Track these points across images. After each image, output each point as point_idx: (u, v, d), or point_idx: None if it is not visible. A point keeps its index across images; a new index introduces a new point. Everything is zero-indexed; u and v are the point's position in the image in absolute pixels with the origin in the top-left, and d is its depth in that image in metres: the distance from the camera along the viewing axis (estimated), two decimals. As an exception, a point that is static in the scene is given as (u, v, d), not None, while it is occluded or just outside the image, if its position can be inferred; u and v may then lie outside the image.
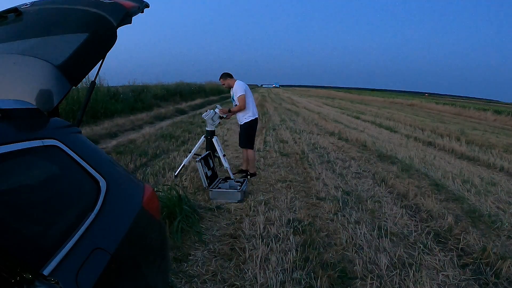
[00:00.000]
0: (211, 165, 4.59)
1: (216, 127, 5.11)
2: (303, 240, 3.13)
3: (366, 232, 3.32)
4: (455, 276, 2.69)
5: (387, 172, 5.68)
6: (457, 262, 2.89)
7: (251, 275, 2.54)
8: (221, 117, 5.03)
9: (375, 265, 2.77)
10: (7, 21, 1.69)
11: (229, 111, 4.95)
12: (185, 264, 2.69)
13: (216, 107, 5.10)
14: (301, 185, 4.81)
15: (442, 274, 2.70)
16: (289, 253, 2.85)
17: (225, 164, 4.84)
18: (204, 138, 5.09)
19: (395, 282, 2.55)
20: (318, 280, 2.48)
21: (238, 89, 4.81)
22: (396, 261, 2.84)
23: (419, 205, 4.18)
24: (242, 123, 4.96)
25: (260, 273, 2.56)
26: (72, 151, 1.28)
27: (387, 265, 2.76)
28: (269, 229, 3.31)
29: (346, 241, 3.14)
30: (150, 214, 1.57)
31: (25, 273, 0.84)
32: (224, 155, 4.94)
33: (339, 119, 14.22)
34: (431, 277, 2.66)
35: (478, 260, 2.92)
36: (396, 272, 2.66)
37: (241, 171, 5.26)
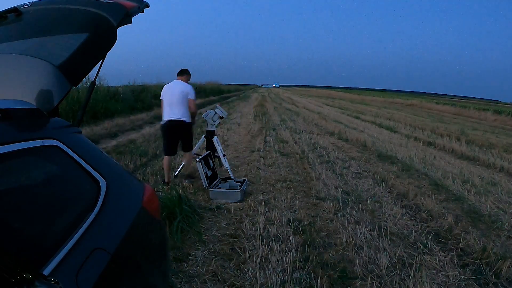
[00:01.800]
0: (211, 165, 4.59)
1: (216, 127, 5.11)
2: (303, 240, 3.13)
3: (366, 232, 3.32)
4: (455, 276, 2.69)
5: (387, 172, 5.68)
6: (457, 262, 2.89)
7: (251, 275, 2.54)
8: (221, 117, 5.03)
9: (375, 265, 2.77)
10: (7, 21, 1.69)
11: None
12: (185, 264, 2.69)
13: (216, 107, 5.10)
14: (301, 185, 4.81)
15: (442, 274, 2.70)
16: (289, 253, 2.85)
17: (225, 164, 4.84)
18: (204, 138, 5.09)
19: (395, 282, 2.55)
20: (318, 280, 2.48)
21: None
22: (396, 261, 2.84)
23: (419, 205, 4.18)
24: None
25: (260, 273, 2.56)
26: (72, 151, 1.28)
27: (387, 265, 2.76)
28: (269, 229, 3.31)
29: (346, 241, 3.14)
30: (150, 214, 1.57)
31: (25, 273, 0.84)
32: (224, 155, 4.94)
33: (339, 119, 14.22)
34: (431, 277, 2.66)
35: (478, 260, 2.92)
36: (396, 272, 2.66)
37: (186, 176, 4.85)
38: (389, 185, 4.93)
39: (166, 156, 4.52)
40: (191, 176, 4.81)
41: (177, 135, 4.45)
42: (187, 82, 4.52)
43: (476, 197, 4.63)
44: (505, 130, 16.46)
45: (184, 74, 4.52)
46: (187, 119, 4.37)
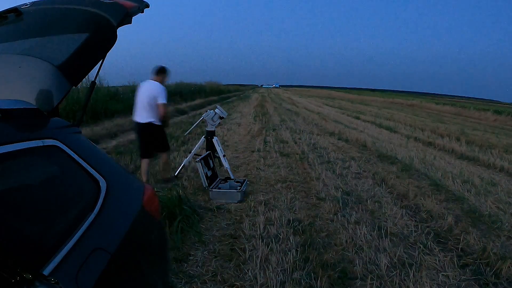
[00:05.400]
0: (211, 165, 4.59)
1: (216, 127, 5.11)
2: (303, 240, 3.12)
3: (366, 232, 3.32)
4: (455, 276, 2.69)
5: (387, 172, 5.67)
6: (457, 262, 2.89)
7: (251, 275, 2.54)
8: (221, 118, 5.03)
9: (375, 265, 2.77)
10: (7, 21, 1.69)
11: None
12: (185, 264, 2.69)
13: (216, 107, 5.11)
14: (301, 185, 4.81)
15: (442, 274, 2.70)
16: (289, 253, 2.85)
17: (225, 165, 4.85)
18: (204, 139, 5.09)
19: (395, 282, 2.55)
20: (318, 280, 2.48)
21: None
22: (396, 261, 2.84)
23: (419, 205, 4.18)
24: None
25: (260, 273, 2.56)
26: (72, 151, 1.28)
27: (387, 265, 2.76)
28: (269, 229, 3.31)
29: (346, 241, 3.14)
30: (150, 214, 1.57)
31: (25, 273, 0.84)
32: (224, 156, 4.94)
33: (339, 119, 14.22)
34: (431, 277, 2.66)
35: (478, 260, 2.92)
36: (396, 272, 2.66)
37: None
38: (389, 185, 4.93)
39: (143, 159, 4.43)
40: (168, 179, 4.64)
41: (147, 137, 4.30)
42: (162, 82, 4.27)
43: (476, 197, 4.63)
44: (505, 130, 16.45)
45: (160, 73, 4.27)
46: (155, 120, 4.20)
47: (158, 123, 4.24)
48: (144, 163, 4.43)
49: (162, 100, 4.14)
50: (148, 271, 1.47)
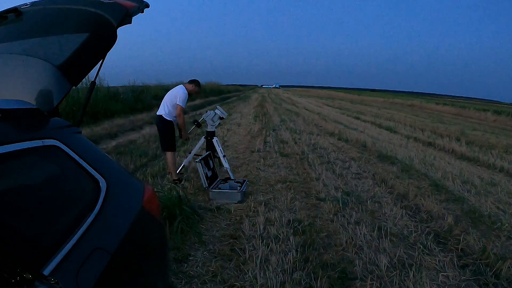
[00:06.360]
0: (211, 166, 4.59)
1: (216, 127, 5.11)
2: (303, 240, 3.12)
3: (366, 232, 3.32)
4: (455, 277, 2.69)
5: (387, 172, 5.67)
6: (457, 263, 2.88)
7: (251, 276, 2.54)
8: (221, 118, 5.04)
9: (375, 265, 2.77)
10: (7, 21, 1.69)
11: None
12: (185, 265, 2.69)
13: (216, 107, 5.11)
14: (301, 185, 4.81)
15: (442, 275, 2.69)
16: (289, 253, 2.85)
17: (225, 165, 4.85)
18: (204, 139, 5.10)
19: (395, 282, 2.55)
20: (318, 281, 2.48)
21: None
22: (396, 261, 2.83)
23: (419, 205, 4.18)
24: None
25: (260, 273, 2.56)
26: (72, 151, 1.27)
27: (387, 266, 2.76)
28: (269, 229, 3.31)
29: (346, 241, 3.14)
30: (150, 214, 1.57)
31: (25, 273, 0.84)
32: (224, 156, 4.94)
33: (339, 120, 14.23)
34: (431, 277, 2.66)
35: (478, 261, 2.92)
36: (396, 273, 2.66)
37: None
38: (389, 186, 4.93)
39: (164, 151, 4.84)
40: (173, 181, 4.63)
41: (158, 129, 4.73)
42: (190, 90, 4.72)
43: (476, 197, 4.63)
44: (505, 131, 16.46)
45: (191, 82, 4.80)
46: (167, 116, 4.59)
47: (169, 118, 4.59)
48: (168, 156, 4.71)
49: (179, 102, 4.54)
50: (148, 271, 1.47)
